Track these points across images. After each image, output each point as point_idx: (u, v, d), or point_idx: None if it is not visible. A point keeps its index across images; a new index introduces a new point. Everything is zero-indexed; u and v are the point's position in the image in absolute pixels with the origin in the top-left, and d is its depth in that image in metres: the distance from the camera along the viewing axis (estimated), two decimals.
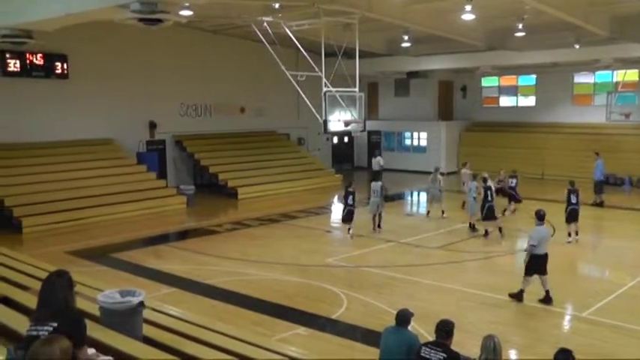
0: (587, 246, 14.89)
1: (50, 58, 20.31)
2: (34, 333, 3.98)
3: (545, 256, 10.45)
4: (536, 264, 10.43)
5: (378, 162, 25.78)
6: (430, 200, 19.05)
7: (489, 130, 29.97)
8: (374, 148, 32.27)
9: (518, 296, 10.49)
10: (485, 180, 15.97)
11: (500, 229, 15.76)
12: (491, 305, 10.51)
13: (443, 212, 18.29)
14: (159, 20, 11.41)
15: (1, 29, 13.59)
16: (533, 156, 27.03)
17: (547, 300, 10.36)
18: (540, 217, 10.70)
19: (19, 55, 19.52)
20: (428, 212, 19.04)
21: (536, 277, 10.52)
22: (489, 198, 15.47)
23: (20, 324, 5.57)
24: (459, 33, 21.01)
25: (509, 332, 9.11)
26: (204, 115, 25.59)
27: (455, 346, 5.78)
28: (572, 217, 14.86)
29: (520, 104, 30.42)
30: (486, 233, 15.69)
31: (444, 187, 18.87)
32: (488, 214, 15.50)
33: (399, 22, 19.16)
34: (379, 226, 16.62)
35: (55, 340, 3.45)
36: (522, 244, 14.61)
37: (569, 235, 14.85)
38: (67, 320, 4.05)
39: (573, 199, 14.88)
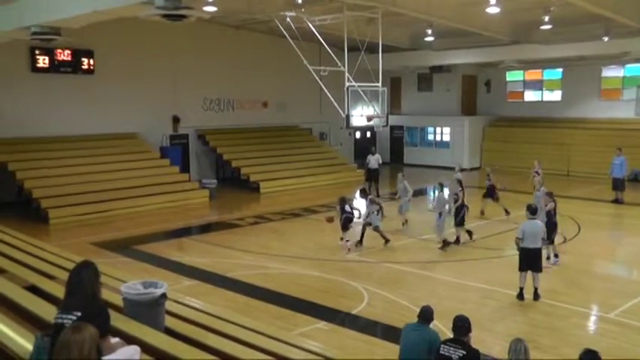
0: (611, 245, 14.57)
1: (77, 54, 20.71)
2: (60, 321, 4.09)
3: (535, 251, 10.38)
4: (526, 258, 10.39)
5: (377, 160, 22.33)
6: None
7: (514, 125, 29.56)
8: (396, 143, 32.13)
9: (518, 295, 10.41)
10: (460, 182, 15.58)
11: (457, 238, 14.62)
12: (513, 303, 10.39)
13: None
14: (183, 16, 11.48)
15: (31, 27, 13.87)
16: (558, 152, 26.61)
17: (535, 297, 10.35)
18: (532, 211, 10.76)
19: (48, 52, 19.94)
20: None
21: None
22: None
23: (47, 312, 5.69)
24: (483, 26, 20.76)
25: (532, 332, 8.97)
26: (227, 109, 25.74)
27: (475, 344, 5.76)
28: None
29: (545, 99, 29.88)
30: (457, 240, 14.58)
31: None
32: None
33: (423, 16, 19.00)
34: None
35: (85, 327, 3.54)
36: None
37: None
38: (91, 310, 4.14)
39: None
